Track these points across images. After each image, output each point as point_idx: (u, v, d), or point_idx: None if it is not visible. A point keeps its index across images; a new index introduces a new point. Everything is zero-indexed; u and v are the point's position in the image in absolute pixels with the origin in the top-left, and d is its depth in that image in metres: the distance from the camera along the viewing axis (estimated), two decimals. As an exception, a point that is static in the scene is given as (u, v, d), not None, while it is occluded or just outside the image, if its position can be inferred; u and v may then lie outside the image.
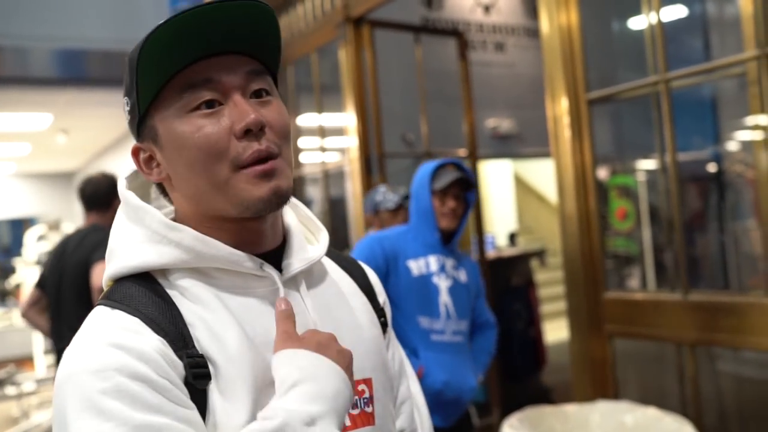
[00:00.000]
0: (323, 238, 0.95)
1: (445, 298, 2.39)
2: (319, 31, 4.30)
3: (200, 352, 0.77)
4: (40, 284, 3.16)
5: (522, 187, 11.24)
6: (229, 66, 0.81)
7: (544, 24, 2.81)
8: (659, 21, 2.61)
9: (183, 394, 0.75)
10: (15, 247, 11.36)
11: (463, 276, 2.49)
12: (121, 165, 7.53)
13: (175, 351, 0.76)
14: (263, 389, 0.78)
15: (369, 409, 0.90)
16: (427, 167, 2.48)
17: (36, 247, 8.25)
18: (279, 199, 0.81)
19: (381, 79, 4.16)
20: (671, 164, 2.51)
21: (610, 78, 3.94)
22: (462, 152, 4.99)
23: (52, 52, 4.85)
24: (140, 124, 0.84)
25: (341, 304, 0.93)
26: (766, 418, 3.57)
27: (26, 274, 8.73)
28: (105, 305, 0.81)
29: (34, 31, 4.73)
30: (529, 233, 10.82)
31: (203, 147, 0.79)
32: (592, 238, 2.76)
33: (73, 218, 10.07)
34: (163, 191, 0.90)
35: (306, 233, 0.96)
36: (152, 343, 0.75)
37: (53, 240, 8.34)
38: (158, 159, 0.84)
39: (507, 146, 7.13)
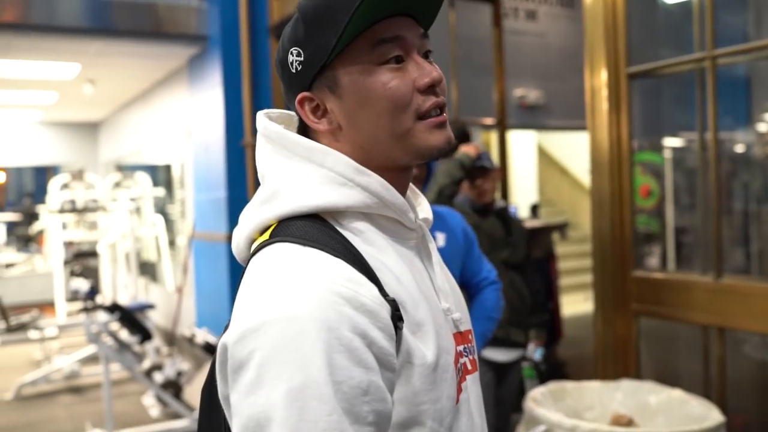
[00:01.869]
0: (423, 198, 1.00)
1: None
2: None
3: (391, 296, 0.78)
4: None
5: (544, 158, 11.13)
6: (409, 27, 0.87)
7: (588, -7, 2.73)
8: (709, -5, 2.53)
9: (392, 347, 0.75)
10: (39, 194, 11.48)
11: (440, 240, 2.25)
12: (146, 117, 7.53)
13: (379, 292, 0.77)
14: (439, 331, 0.83)
15: (474, 357, 0.96)
16: None
17: (59, 195, 8.30)
18: (450, 147, 0.87)
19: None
20: (712, 143, 2.45)
21: (647, 53, 3.86)
22: (489, 121, 4.93)
23: (81, 1, 4.81)
24: (317, 73, 0.86)
25: (440, 260, 0.98)
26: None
27: (49, 221, 8.81)
28: (291, 242, 0.79)
29: (65, -21, 4.70)
30: (550, 206, 10.74)
31: (392, 98, 0.84)
32: (624, 215, 2.72)
33: (97, 169, 10.11)
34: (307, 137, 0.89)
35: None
36: (372, 292, 0.76)
37: (76, 189, 8.39)
38: (330, 108, 0.87)
39: (533, 117, 7.03)
